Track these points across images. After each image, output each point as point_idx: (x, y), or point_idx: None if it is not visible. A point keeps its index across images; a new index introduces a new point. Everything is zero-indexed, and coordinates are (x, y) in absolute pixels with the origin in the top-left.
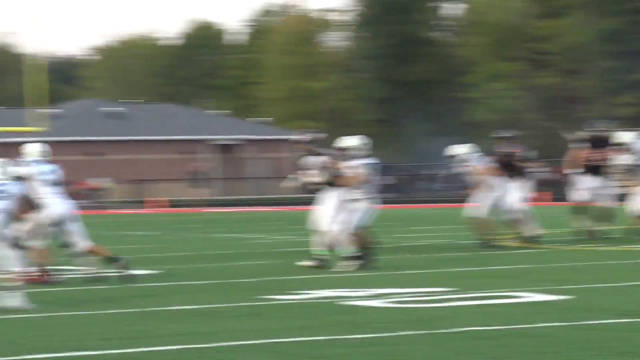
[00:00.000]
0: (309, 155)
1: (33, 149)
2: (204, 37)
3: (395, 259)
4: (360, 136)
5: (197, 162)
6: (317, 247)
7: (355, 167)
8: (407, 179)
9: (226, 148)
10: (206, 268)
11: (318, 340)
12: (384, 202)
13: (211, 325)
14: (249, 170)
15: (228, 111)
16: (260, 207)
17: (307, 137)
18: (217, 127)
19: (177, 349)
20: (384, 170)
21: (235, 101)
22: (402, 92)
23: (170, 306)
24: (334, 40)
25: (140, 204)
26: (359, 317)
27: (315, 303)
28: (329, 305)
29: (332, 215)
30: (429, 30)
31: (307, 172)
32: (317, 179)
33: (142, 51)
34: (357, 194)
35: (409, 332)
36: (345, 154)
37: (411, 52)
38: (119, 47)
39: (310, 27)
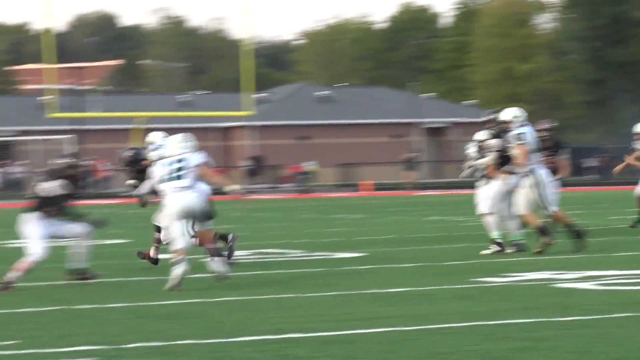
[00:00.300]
0: (490, 136)
1: (155, 136)
2: (413, 19)
3: (604, 241)
4: (517, 108)
5: (406, 145)
6: (493, 231)
7: (516, 139)
8: (609, 161)
9: (434, 131)
10: (413, 251)
11: (527, 322)
12: (587, 184)
13: (419, 308)
14: (455, 153)
15: (434, 94)
16: (467, 189)
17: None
18: (425, 110)
19: (383, 332)
20: (589, 152)
21: (444, 84)
22: (612, 73)
23: (376, 289)
24: (543, 22)
25: (349, 187)
26: (568, 300)
27: (524, 285)
28: (538, 288)
29: (495, 199)
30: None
31: (475, 156)
32: (480, 162)
33: (352, 35)
34: (526, 167)
35: (619, 315)
36: (506, 127)
37: (621, 33)
38: (328, 31)
39: (519, 9)
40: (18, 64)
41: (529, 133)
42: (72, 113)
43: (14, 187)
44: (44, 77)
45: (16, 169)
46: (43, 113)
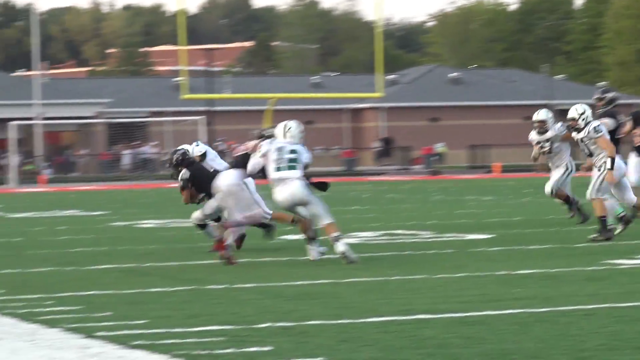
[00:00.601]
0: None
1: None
2: (545, 1)
3: None
4: (581, 105)
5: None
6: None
7: (595, 132)
8: None
9: (566, 113)
10: (544, 232)
11: None
12: None
13: (549, 290)
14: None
15: (563, 76)
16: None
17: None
18: (557, 91)
19: (513, 313)
20: None
21: (577, 66)
22: None
23: (506, 270)
24: None
25: (480, 169)
26: None
27: None
28: None
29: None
30: None
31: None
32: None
33: (484, 16)
34: (614, 155)
35: None
36: (574, 125)
37: None
38: (460, 13)
39: None
40: (152, 46)
41: (601, 125)
42: (205, 94)
43: (143, 168)
44: (178, 58)
45: (146, 150)
46: (174, 94)
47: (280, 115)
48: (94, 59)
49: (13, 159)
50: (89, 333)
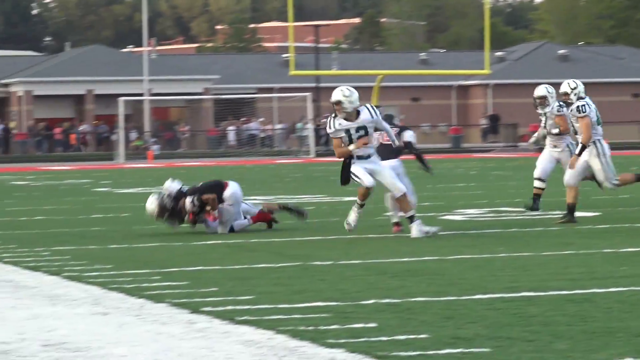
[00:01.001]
0: None
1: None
2: None
3: None
4: (573, 80)
5: None
6: None
7: (577, 111)
8: None
9: None
10: None
11: None
12: None
13: None
14: None
15: None
16: None
17: None
18: None
19: (619, 291)
20: None
21: None
22: None
23: (612, 248)
24: None
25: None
26: None
27: None
28: None
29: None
30: None
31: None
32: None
33: None
34: (590, 140)
35: None
36: (566, 99)
37: None
38: None
39: None
40: (259, 22)
41: (589, 104)
42: (313, 71)
43: (247, 145)
44: (287, 35)
45: (254, 126)
46: (282, 70)
47: (388, 92)
48: (202, 36)
49: (122, 135)
50: (195, 308)
